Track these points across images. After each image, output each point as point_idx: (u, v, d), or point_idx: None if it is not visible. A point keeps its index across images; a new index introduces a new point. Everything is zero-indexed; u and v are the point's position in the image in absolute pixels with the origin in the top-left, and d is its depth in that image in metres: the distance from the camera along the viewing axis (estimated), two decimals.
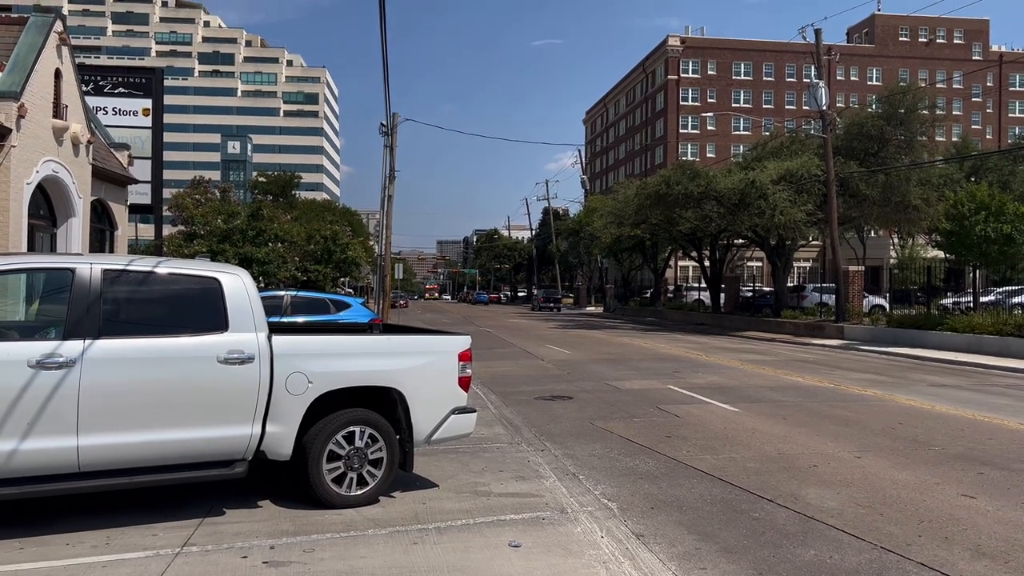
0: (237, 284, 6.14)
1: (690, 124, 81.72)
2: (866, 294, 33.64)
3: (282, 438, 6.07)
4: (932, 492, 7.16)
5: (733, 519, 6.33)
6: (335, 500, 6.21)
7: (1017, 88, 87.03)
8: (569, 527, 5.96)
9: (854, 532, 5.98)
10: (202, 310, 5.99)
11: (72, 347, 5.42)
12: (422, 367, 6.66)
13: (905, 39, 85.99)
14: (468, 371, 6.94)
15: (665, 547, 5.64)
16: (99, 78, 25.86)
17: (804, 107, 68.01)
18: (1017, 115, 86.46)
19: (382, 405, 6.56)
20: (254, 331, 6.03)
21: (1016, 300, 24.96)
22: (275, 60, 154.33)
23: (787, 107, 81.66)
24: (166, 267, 6.10)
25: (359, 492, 6.32)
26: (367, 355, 6.58)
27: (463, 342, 6.98)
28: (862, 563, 5.33)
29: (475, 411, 7.12)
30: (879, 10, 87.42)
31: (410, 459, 6.65)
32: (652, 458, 8.55)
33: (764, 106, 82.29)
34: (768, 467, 8.11)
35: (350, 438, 6.29)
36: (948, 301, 30.38)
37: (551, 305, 62.62)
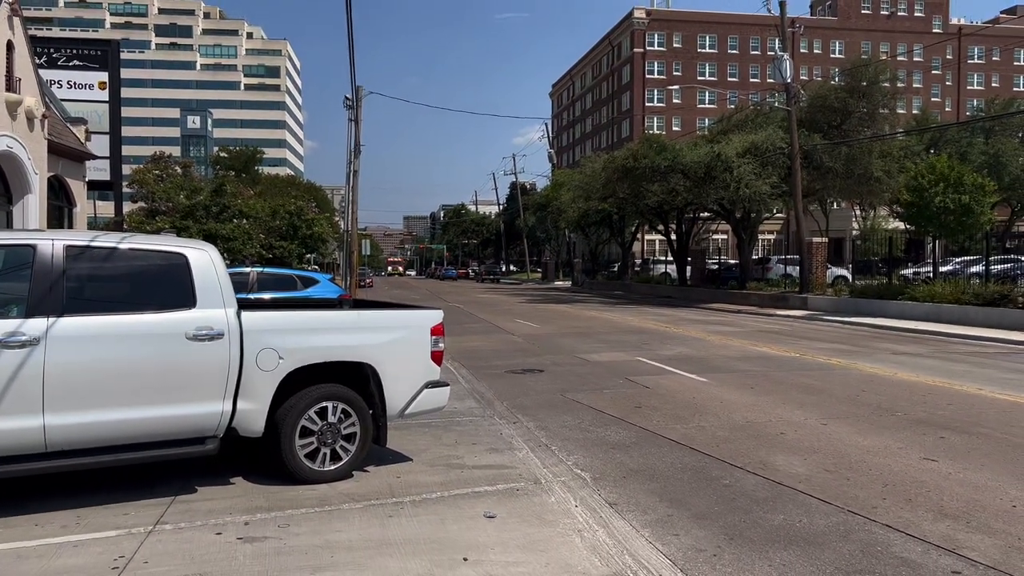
0: (204, 259, 6.04)
1: (656, 97, 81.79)
2: (829, 265, 34.17)
3: (254, 414, 6.02)
4: (896, 456, 7.35)
5: (704, 486, 6.43)
6: (308, 475, 6.19)
7: (976, 61, 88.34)
8: (543, 497, 6.01)
9: (821, 496, 6.12)
10: (169, 286, 5.88)
11: (35, 325, 5.30)
12: (394, 342, 6.63)
13: (867, 11, 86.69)
14: (441, 345, 6.93)
15: (638, 515, 5.72)
16: (52, 50, 25.14)
17: (769, 80, 68.63)
18: (975, 87, 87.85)
19: (355, 380, 6.53)
20: (223, 307, 5.95)
21: (974, 270, 25.54)
22: (235, 32, 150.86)
23: (752, 80, 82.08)
24: (131, 243, 5.97)
25: (333, 467, 6.30)
26: (338, 331, 6.54)
27: (435, 316, 6.96)
28: (830, 526, 5.47)
29: (448, 384, 7.12)
30: None
31: (384, 433, 6.64)
32: (623, 428, 8.64)
33: (729, 79, 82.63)
34: (737, 435, 8.25)
35: (323, 413, 6.26)
36: (909, 271, 30.96)
37: (492, 277, 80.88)
